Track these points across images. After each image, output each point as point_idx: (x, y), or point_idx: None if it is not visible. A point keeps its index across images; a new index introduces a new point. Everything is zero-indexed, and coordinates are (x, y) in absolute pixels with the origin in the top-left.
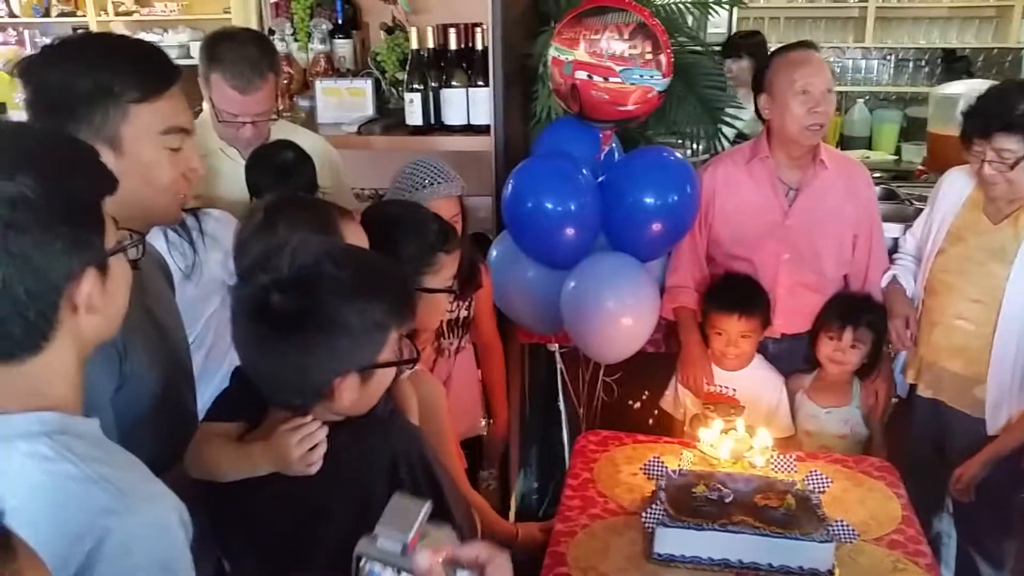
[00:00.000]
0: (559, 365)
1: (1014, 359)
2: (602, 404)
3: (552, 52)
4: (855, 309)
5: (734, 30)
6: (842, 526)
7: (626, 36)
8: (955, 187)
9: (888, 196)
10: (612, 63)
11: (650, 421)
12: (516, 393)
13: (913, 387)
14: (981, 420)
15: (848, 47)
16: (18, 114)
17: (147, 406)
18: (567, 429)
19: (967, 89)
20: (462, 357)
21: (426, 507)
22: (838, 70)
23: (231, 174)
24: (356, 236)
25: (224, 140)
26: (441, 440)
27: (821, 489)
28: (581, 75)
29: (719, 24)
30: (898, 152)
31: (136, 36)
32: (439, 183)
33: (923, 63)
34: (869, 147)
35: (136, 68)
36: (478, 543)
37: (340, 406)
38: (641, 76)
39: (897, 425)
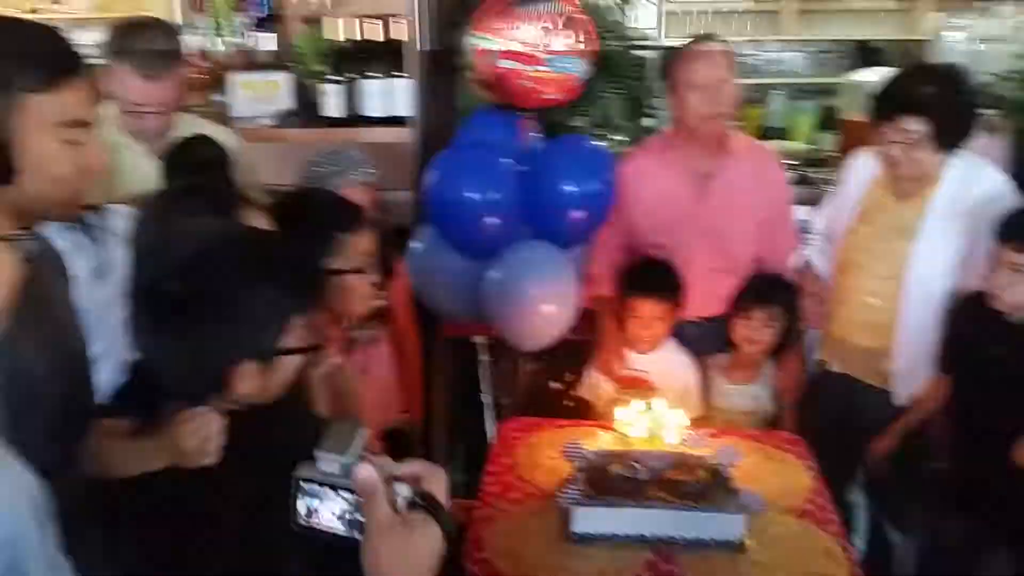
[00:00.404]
0: (482, 357)
1: (918, 333)
2: (526, 392)
3: (476, 42)
4: (767, 289)
5: (663, 25)
6: (752, 496)
7: (554, 26)
8: (863, 168)
9: (801, 181)
10: (540, 52)
11: (571, 404)
12: (441, 387)
13: (823, 363)
14: (888, 392)
15: (768, 40)
16: None
17: (36, 403)
18: (491, 420)
19: (877, 76)
20: (379, 348)
21: (363, 431)
22: (757, 62)
23: (136, 169)
24: (261, 225)
25: (129, 134)
26: None
27: (732, 463)
28: (508, 64)
29: (647, 20)
30: (814, 141)
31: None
32: (349, 169)
33: (839, 55)
34: (786, 137)
35: (34, 55)
36: (415, 461)
37: (239, 395)
38: (567, 65)
39: (807, 402)
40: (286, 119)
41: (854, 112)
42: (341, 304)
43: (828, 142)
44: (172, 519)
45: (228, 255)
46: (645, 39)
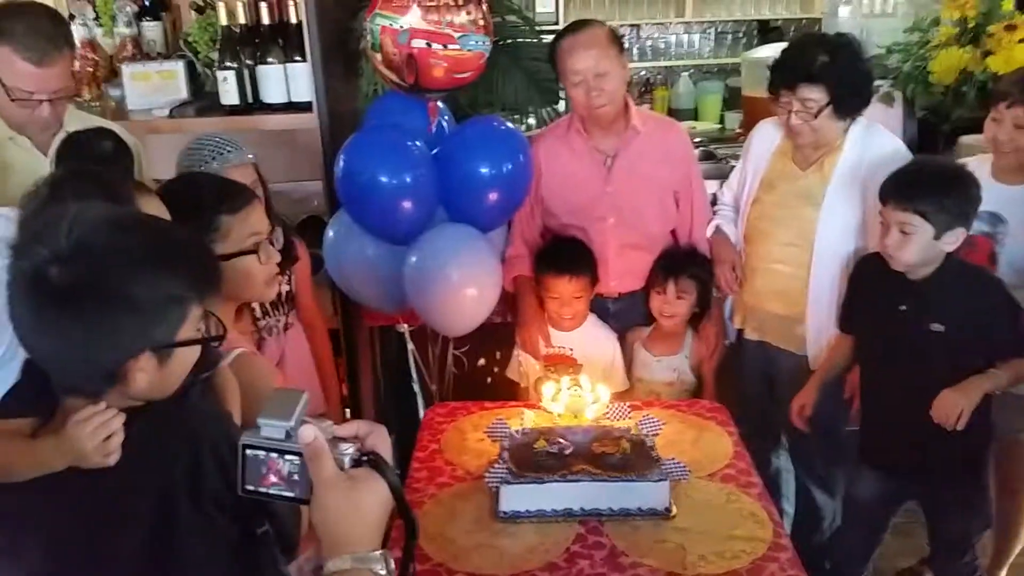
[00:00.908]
0: (410, 346)
1: (828, 296)
2: (454, 378)
3: (381, 21)
4: (677, 262)
5: (561, 9)
6: (675, 464)
7: (460, 2)
8: (765, 138)
9: (707, 157)
10: (451, 30)
11: (493, 384)
12: (368, 378)
13: (740, 331)
14: (804, 356)
15: (671, 22)
16: None
17: None
18: (423, 408)
19: (775, 52)
20: (293, 335)
21: (304, 396)
22: (662, 45)
23: (25, 165)
24: (156, 212)
25: (14, 128)
26: None
27: (655, 432)
28: (419, 43)
29: (547, 3)
30: (722, 120)
31: None
32: (226, 153)
33: (740, 35)
34: (695, 118)
35: None
36: (356, 420)
37: (136, 390)
38: (476, 42)
39: (727, 370)
40: (182, 110)
41: (755, 89)
42: (241, 290)
43: (734, 121)
44: (79, 519)
45: (119, 241)
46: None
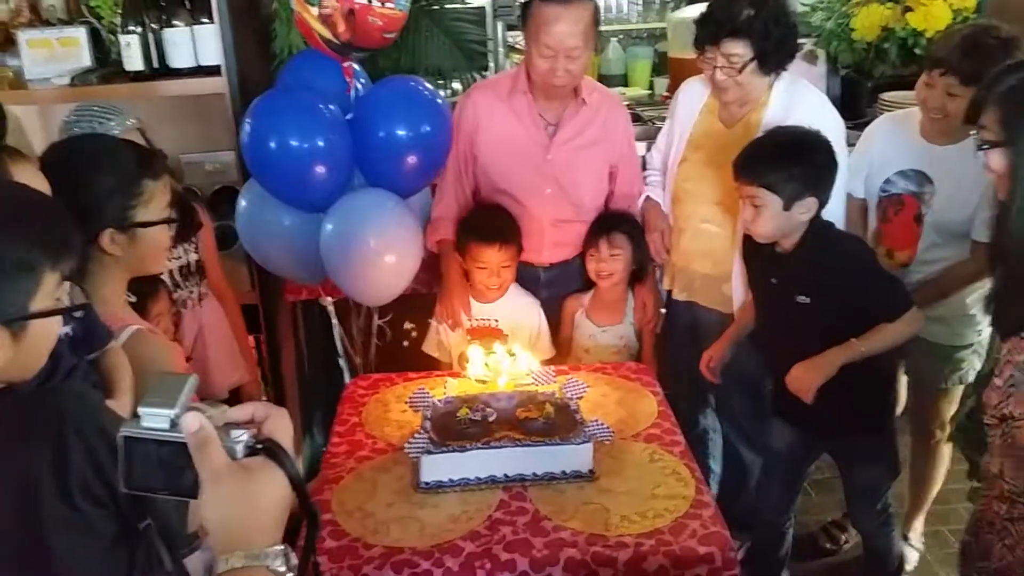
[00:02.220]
0: (333, 320)
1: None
2: (379, 350)
3: None
4: (606, 221)
5: None
6: (599, 426)
7: None
8: (691, 97)
9: (634, 120)
10: None
11: (420, 356)
12: (290, 354)
13: (669, 292)
14: (731, 315)
15: None
16: None
17: None
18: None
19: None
20: (209, 305)
21: (192, 380)
22: None
23: None
24: (32, 180)
25: None
26: None
27: (579, 395)
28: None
29: None
30: (651, 87)
31: None
32: (107, 122)
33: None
34: (625, 84)
35: None
36: (252, 403)
37: None
38: (405, 1)
39: (666, 334)
40: (84, 77)
41: (681, 51)
42: (149, 261)
43: (663, 86)
44: None
45: None
46: None
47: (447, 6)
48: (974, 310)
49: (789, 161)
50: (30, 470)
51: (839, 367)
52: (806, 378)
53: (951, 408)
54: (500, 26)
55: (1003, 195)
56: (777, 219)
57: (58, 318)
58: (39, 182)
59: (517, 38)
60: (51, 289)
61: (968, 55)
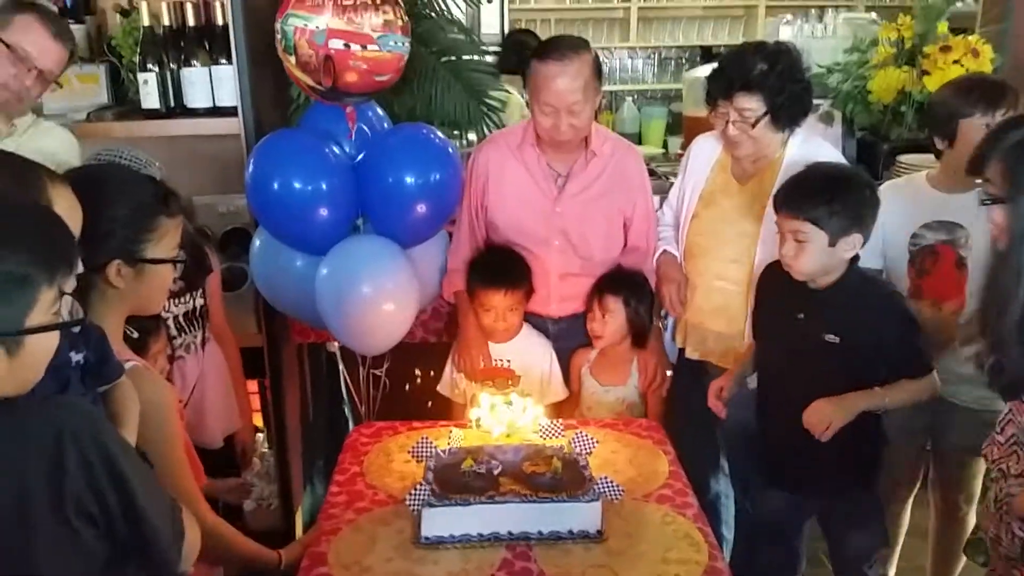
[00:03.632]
0: (340, 365)
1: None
2: (384, 398)
3: (295, 21)
4: (602, 282)
5: (506, 29)
6: (608, 483)
7: (378, 2)
8: (703, 152)
9: (649, 174)
10: (370, 30)
11: (429, 404)
12: (294, 400)
13: (681, 351)
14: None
15: (615, 47)
16: None
17: None
18: None
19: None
20: (212, 351)
21: None
22: (607, 70)
23: None
24: (70, 204)
25: None
26: (168, 447)
27: (588, 451)
28: (337, 44)
29: (491, 25)
30: (665, 145)
31: None
32: (134, 162)
33: (683, 60)
34: (639, 142)
35: None
36: None
37: None
38: (395, 43)
39: (669, 391)
40: (100, 114)
41: (696, 109)
42: (150, 299)
43: (678, 145)
44: None
45: None
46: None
47: (464, 57)
48: None
49: (834, 196)
50: (24, 479)
51: (859, 413)
52: (828, 412)
53: (979, 478)
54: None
55: (1001, 249)
56: (822, 255)
57: (55, 333)
58: (75, 206)
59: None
60: (48, 304)
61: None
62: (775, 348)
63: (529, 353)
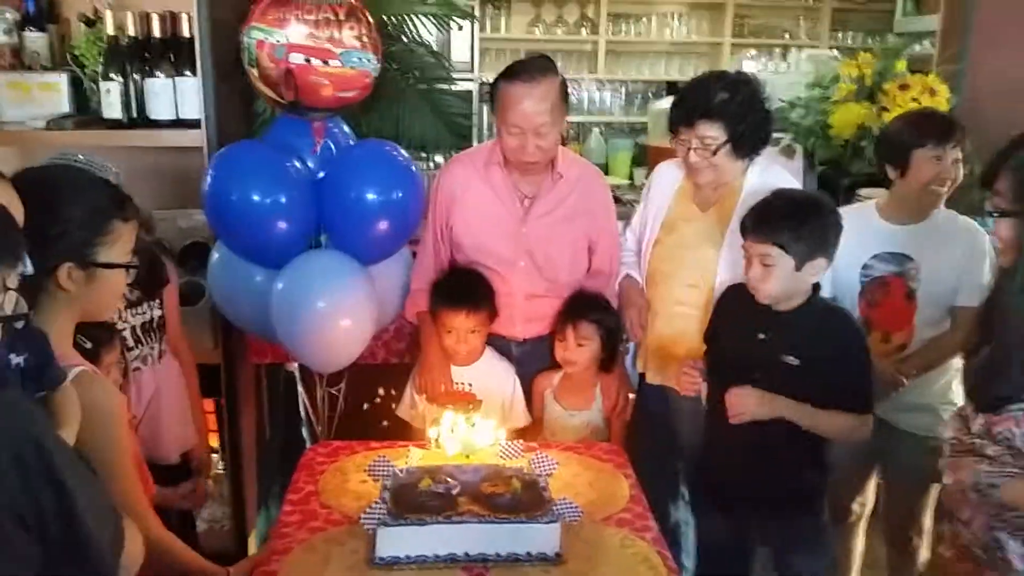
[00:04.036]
0: (299, 386)
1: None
2: (343, 419)
3: (257, 35)
4: (575, 308)
5: (476, 59)
6: (567, 505)
7: (341, 17)
8: (665, 179)
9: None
10: (331, 45)
11: (385, 424)
12: (250, 420)
13: (642, 376)
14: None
15: (584, 79)
16: None
17: None
18: None
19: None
20: (168, 363)
21: None
22: (575, 101)
23: None
24: (7, 199)
25: None
26: (114, 455)
27: (548, 472)
28: (297, 58)
29: (462, 52)
30: (631, 177)
31: None
32: (90, 168)
33: (649, 94)
34: (606, 173)
35: None
36: None
37: None
38: (360, 59)
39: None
40: (60, 122)
41: (661, 140)
42: (102, 304)
43: (643, 176)
44: None
45: None
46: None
47: (435, 82)
48: (961, 397)
49: (801, 221)
50: None
51: (776, 418)
52: (750, 401)
53: (929, 511)
54: (486, 109)
55: (1006, 263)
56: (788, 279)
57: None
58: (15, 203)
59: None
60: None
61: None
62: (731, 366)
63: (491, 376)
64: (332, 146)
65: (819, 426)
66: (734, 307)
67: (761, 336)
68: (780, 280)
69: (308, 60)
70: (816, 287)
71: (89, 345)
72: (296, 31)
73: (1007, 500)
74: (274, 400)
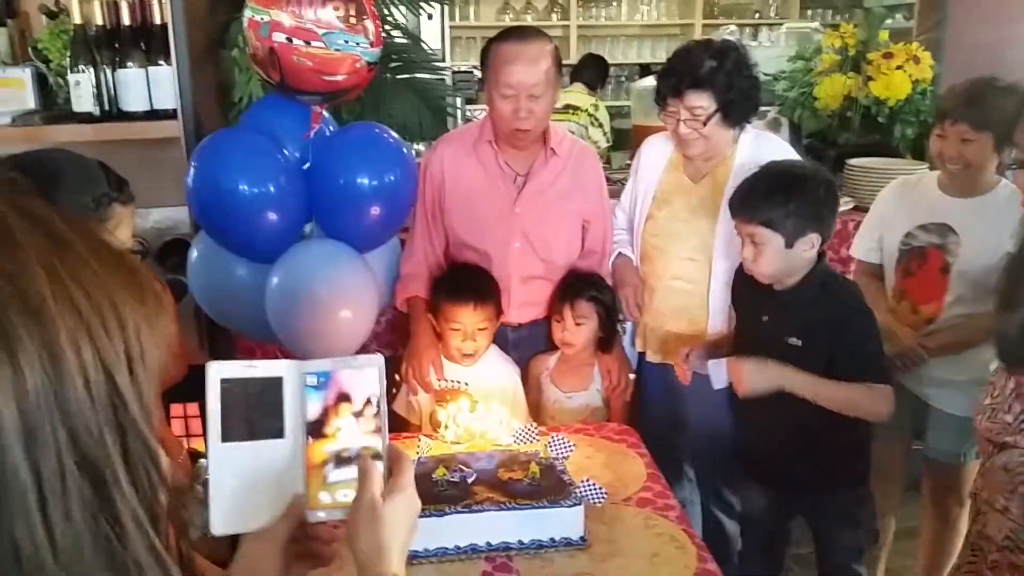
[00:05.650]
0: None
1: (729, 310)
2: None
3: (248, 12)
4: (571, 287)
5: (447, 45)
6: (590, 487)
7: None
8: (655, 153)
9: None
10: (313, 26)
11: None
12: None
13: (642, 355)
14: (707, 376)
15: None
16: None
17: None
18: None
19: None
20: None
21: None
22: None
23: None
24: None
25: None
26: None
27: (565, 455)
28: (279, 38)
29: (433, 39)
30: (608, 160)
31: None
32: None
33: (623, 78)
34: None
35: None
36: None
37: None
38: (346, 42)
39: (632, 397)
40: (27, 118)
41: (642, 116)
42: None
43: (621, 160)
44: None
45: None
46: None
47: (413, 61)
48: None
49: (787, 196)
50: None
51: (782, 387)
52: (747, 373)
53: (969, 482)
54: (459, 100)
55: None
56: (779, 258)
57: None
58: None
59: (475, 111)
60: None
61: (974, 100)
62: (743, 350)
63: (492, 375)
64: (327, 132)
65: (827, 397)
66: (741, 289)
67: (764, 318)
68: (772, 259)
69: (290, 40)
70: (820, 259)
71: None
72: (283, 11)
73: None
74: None
